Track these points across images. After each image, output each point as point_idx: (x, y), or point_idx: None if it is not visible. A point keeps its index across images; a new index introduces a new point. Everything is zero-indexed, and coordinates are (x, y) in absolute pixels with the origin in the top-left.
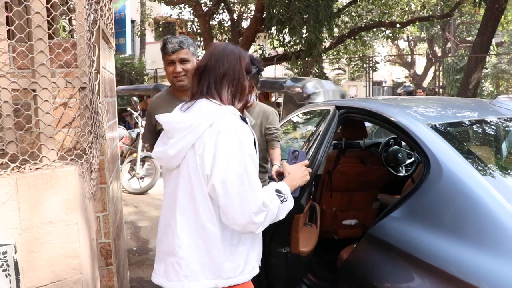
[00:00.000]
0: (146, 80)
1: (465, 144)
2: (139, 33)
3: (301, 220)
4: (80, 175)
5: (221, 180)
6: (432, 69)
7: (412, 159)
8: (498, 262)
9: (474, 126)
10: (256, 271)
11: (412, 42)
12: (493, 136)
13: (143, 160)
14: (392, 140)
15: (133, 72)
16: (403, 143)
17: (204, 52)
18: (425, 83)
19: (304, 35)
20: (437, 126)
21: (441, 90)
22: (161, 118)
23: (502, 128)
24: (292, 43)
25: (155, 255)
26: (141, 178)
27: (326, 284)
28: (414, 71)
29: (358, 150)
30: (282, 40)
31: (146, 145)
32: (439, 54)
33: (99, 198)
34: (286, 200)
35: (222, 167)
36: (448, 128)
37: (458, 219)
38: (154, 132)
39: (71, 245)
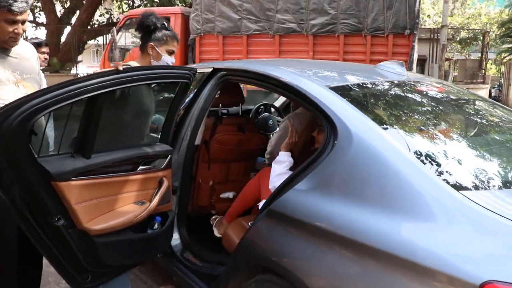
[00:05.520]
0: None
1: (368, 107)
2: None
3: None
4: None
5: None
6: None
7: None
8: (417, 227)
9: (370, 89)
10: None
11: None
12: (389, 98)
13: None
14: (262, 106)
15: None
16: (273, 110)
17: (43, 13)
18: None
19: None
20: (337, 88)
21: None
22: None
23: (395, 90)
24: (142, 6)
25: None
26: None
27: (212, 266)
28: None
29: (236, 117)
30: (131, 3)
31: None
32: None
33: None
34: None
35: None
36: (347, 91)
37: (373, 187)
38: None
39: None
